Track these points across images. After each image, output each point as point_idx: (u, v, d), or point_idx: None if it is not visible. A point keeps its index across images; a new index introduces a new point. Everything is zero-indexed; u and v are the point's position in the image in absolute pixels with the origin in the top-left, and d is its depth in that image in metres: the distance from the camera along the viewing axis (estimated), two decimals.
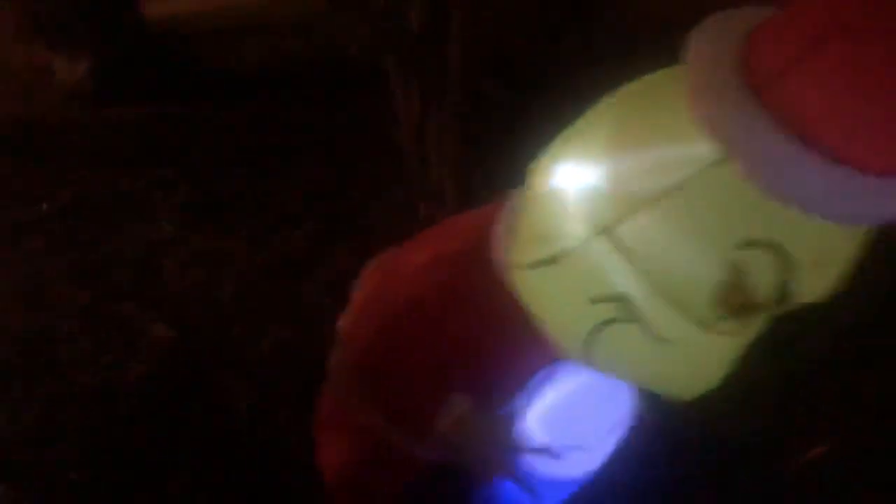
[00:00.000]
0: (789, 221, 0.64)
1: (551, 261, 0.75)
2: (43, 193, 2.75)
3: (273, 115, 3.17)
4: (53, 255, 2.46)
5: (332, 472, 1.36)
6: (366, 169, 2.68)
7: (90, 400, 1.94)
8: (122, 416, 1.89)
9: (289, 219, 2.54)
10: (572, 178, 0.74)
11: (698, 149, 0.64)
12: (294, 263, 2.32)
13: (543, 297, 0.79)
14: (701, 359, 0.79)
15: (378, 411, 1.12)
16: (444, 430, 0.93)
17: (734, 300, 0.69)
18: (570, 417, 1.00)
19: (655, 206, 0.67)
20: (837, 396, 1.86)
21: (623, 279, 0.71)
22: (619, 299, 0.72)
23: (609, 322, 0.74)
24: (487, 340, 0.91)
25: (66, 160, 2.95)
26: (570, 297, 0.76)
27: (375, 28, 2.19)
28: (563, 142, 0.79)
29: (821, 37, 0.60)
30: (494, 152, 2.18)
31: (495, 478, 1.08)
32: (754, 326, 0.79)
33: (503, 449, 0.96)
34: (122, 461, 1.77)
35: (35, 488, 1.73)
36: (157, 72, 3.48)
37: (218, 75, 3.57)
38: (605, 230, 0.70)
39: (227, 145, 3.02)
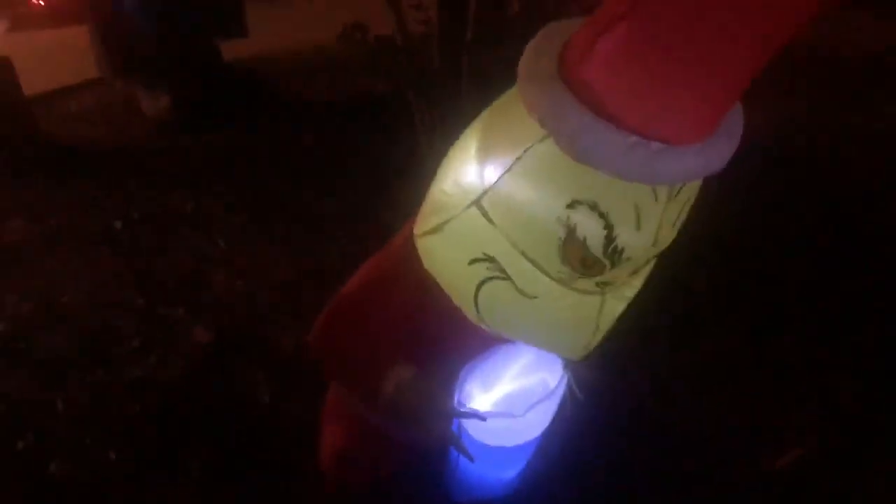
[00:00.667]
0: (601, 182, 0.75)
1: (439, 229, 0.90)
2: (117, 210, 3.06)
3: (326, 143, 3.42)
4: (118, 263, 2.73)
5: (327, 452, 1.49)
6: (399, 191, 2.84)
7: (134, 390, 2.13)
8: (160, 404, 2.08)
9: (328, 237, 2.74)
10: (458, 166, 0.89)
11: (532, 129, 0.77)
12: (325, 275, 2.48)
13: (437, 260, 0.93)
14: (570, 315, 0.90)
15: (338, 380, 1.26)
16: (388, 394, 1.04)
17: (573, 255, 0.81)
18: (501, 387, 1.10)
19: (505, 177, 0.81)
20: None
21: (491, 241, 0.84)
22: (490, 259, 0.85)
23: (487, 280, 0.87)
24: (429, 316, 1.02)
25: (142, 181, 3.27)
26: (455, 258, 0.89)
27: (400, 67, 2.43)
28: (457, 141, 0.94)
29: (610, 21, 0.70)
30: None
31: (433, 440, 1.18)
32: (615, 288, 0.90)
33: (439, 412, 1.05)
34: (157, 443, 1.94)
35: (80, 464, 1.92)
36: (232, 104, 3.83)
37: (285, 108, 3.89)
38: (475, 201, 0.85)
39: (282, 169, 3.27)
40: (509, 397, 1.10)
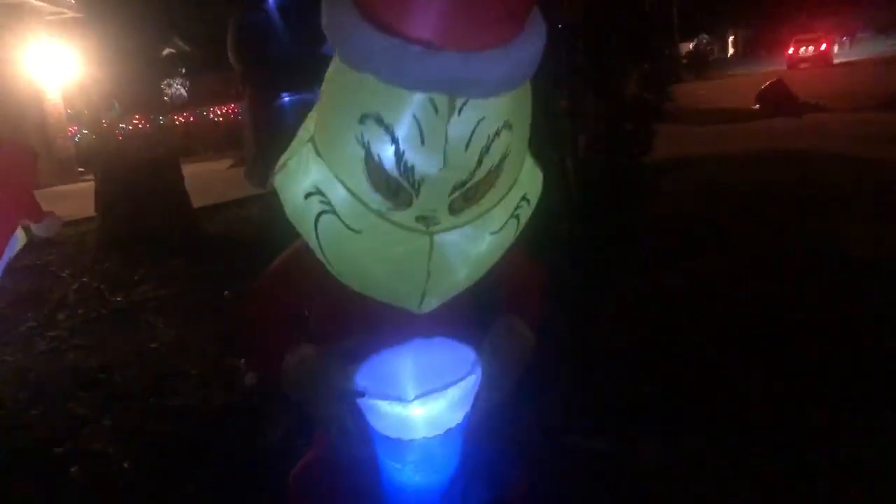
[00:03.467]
0: (381, 93, 0.80)
1: (284, 166, 0.96)
2: (232, 283, 3.32)
3: None
4: (211, 322, 2.94)
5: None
6: None
7: (171, 416, 2.19)
8: (188, 428, 2.10)
9: None
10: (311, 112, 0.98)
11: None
12: None
13: (284, 194, 0.97)
14: (398, 256, 0.91)
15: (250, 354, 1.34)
16: (289, 369, 1.06)
17: (377, 177, 0.84)
18: (398, 371, 1.07)
19: (323, 106, 0.91)
20: None
21: (318, 173, 0.90)
22: (319, 192, 0.90)
23: (320, 214, 0.90)
24: (334, 302, 1.06)
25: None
26: (295, 193, 0.94)
27: None
28: None
29: None
30: None
31: (328, 420, 1.11)
32: (442, 229, 0.89)
33: (332, 390, 1.05)
34: (169, 460, 1.94)
35: (98, 470, 1.95)
36: None
37: None
38: (310, 138, 0.92)
39: None
40: (396, 379, 1.07)
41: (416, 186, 0.83)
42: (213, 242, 4.37)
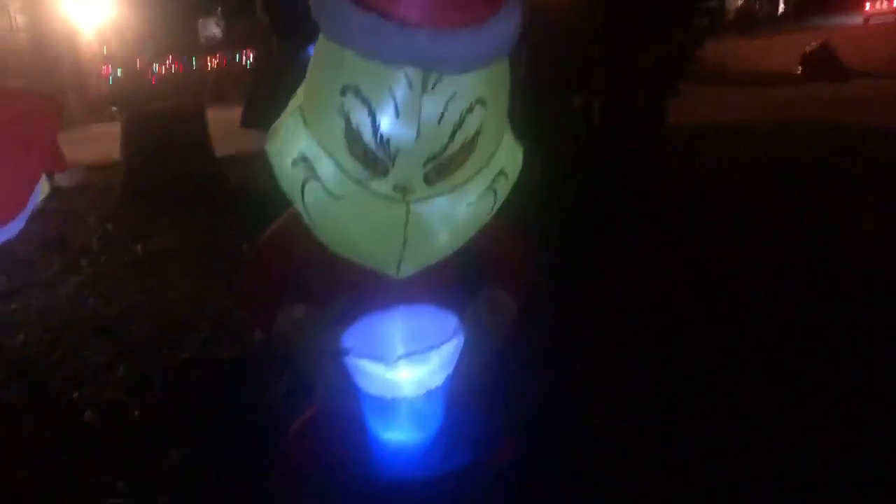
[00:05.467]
0: (360, 67, 0.85)
1: (274, 132, 1.00)
2: (254, 236, 3.38)
3: None
4: (229, 275, 3.01)
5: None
6: None
7: (183, 367, 2.28)
8: (195, 379, 2.19)
9: None
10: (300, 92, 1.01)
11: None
12: None
13: (274, 162, 1.01)
14: (377, 223, 0.95)
15: (246, 310, 1.39)
16: (280, 328, 1.14)
17: (356, 148, 0.88)
18: (385, 334, 1.13)
19: (309, 78, 0.96)
20: None
21: (304, 141, 0.94)
22: (305, 160, 0.94)
23: (306, 181, 0.94)
24: (322, 266, 1.12)
25: None
26: (283, 159, 0.98)
27: None
28: None
29: None
30: None
31: (316, 377, 1.22)
32: (419, 200, 0.93)
33: (321, 348, 1.11)
34: (175, 410, 2.03)
35: (109, 415, 2.04)
36: None
37: None
38: (299, 106, 0.96)
39: None
40: (380, 339, 1.13)
41: (392, 157, 0.88)
42: (236, 194, 4.41)
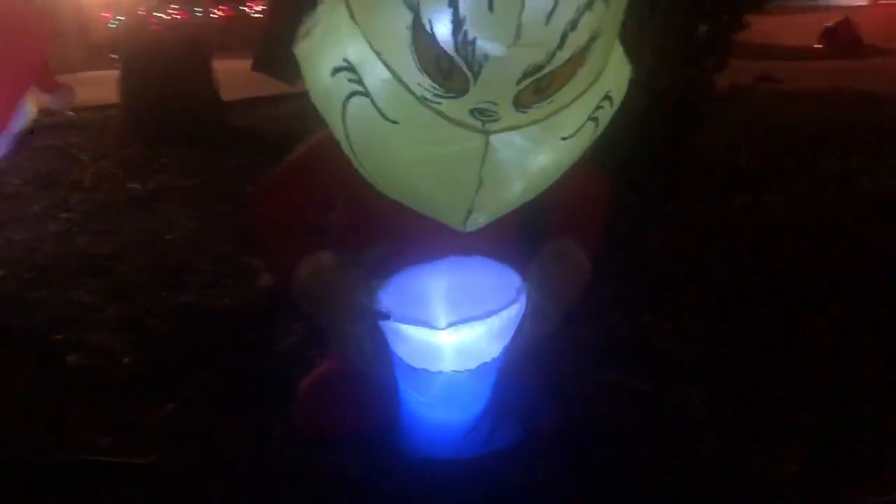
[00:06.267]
0: None
1: (309, 31, 0.80)
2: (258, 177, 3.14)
3: None
4: (228, 218, 2.80)
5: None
6: None
7: (178, 312, 2.05)
8: (192, 326, 1.96)
9: None
10: None
11: None
12: None
13: (307, 67, 0.82)
14: (444, 155, 0.74)
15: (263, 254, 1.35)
16: (302, 279, 0.98)
17: (426, 53, 0.67)
18: (429, 292, 0.97)
19: None
20: None
21: (351, 42, 0.73)
22: (351, 68, 0.74)
23: (350, 96, 0.74)
24: (357, 205, 0.99)
25: None
26: (321, 67, 0.78)
27: None
28: None
29: None
30: None
31: (344, 338, 1.03)
32: (501, 127, 0.73)
33: (352, 306, 0.96)
34: (170, 358, 1.80)
35: (94, 360, 1.81)
36: None
37: None
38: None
39: None
40: (423, 300, 0.97)
41: (477, 68, 0.67)
42: (241, 137, 4.24)
